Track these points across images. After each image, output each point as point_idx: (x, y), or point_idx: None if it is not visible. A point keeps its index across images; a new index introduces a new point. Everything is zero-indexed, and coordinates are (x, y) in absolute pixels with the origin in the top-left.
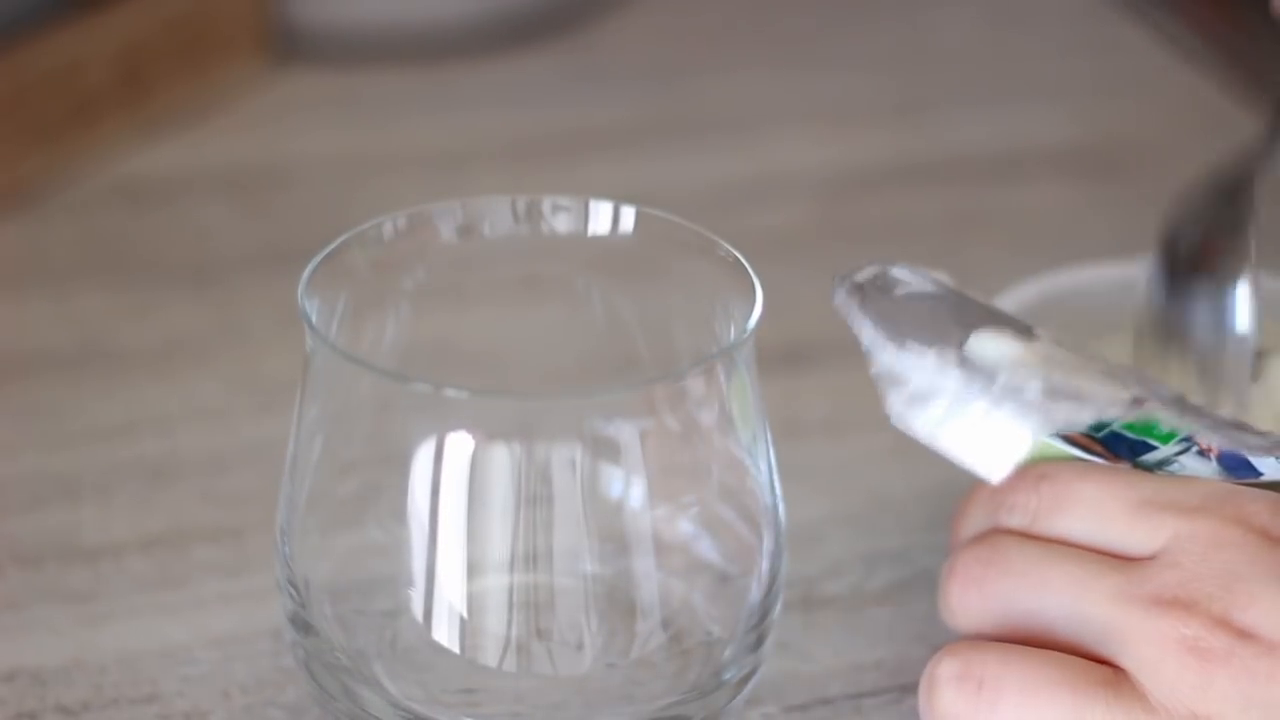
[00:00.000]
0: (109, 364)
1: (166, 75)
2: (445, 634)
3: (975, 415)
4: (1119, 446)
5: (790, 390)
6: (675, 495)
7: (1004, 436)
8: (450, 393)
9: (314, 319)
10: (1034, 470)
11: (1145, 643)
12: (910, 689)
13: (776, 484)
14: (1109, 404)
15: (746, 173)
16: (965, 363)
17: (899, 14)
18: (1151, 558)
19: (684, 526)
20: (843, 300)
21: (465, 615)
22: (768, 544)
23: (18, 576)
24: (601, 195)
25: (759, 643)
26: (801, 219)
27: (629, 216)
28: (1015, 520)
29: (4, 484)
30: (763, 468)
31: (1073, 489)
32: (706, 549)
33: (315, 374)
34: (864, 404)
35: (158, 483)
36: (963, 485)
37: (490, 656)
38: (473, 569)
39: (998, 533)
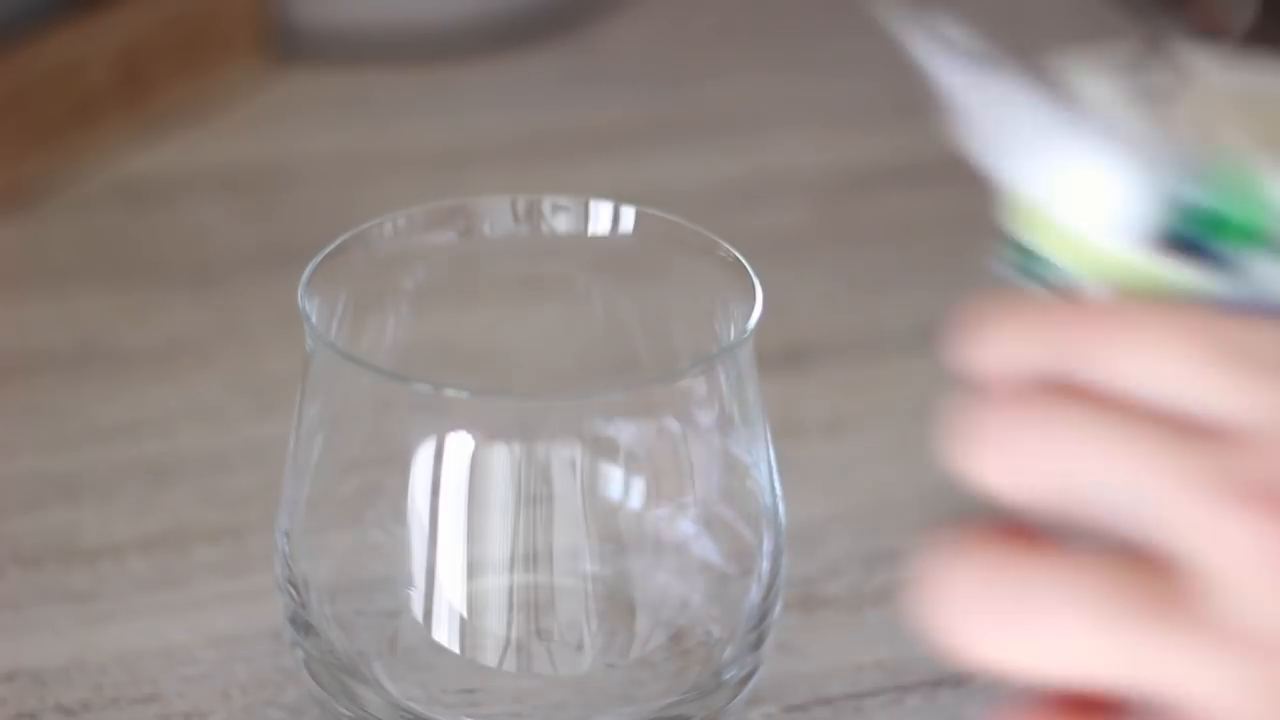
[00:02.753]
0: (109, 364)
1: (166, 75)
2: (445, 634)
3: (1072, 156)
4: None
5: (790, 390)
6: (675, 495)
7: (1101, 186)
8: (450, 393)
9: (314, 319)
10: (1102, 307)
11: (1232, 547)
12: (910, 689)
13: (776, 484)
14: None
15: (746, 173)
16: (1063, 95)
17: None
18: (1247, 432)
19: (684, 526)
20: (903, 25)
21: (465, 615)
22: (768, 544)
23: (18, 576)
24: (601, 195)
25: (759, 643)
26: (801, 219)
27: (629, 216)
28: (1076, 365)
29: (4, 484)
30: (763, 468)
31: (1152, 330)
32: (706, 549)
33: (315, 374)
34: (864, 404)
35: (158, 483)
36: (962, 486)
37: (490, 656)
38: (473, 569)
39: (1051, 390)
